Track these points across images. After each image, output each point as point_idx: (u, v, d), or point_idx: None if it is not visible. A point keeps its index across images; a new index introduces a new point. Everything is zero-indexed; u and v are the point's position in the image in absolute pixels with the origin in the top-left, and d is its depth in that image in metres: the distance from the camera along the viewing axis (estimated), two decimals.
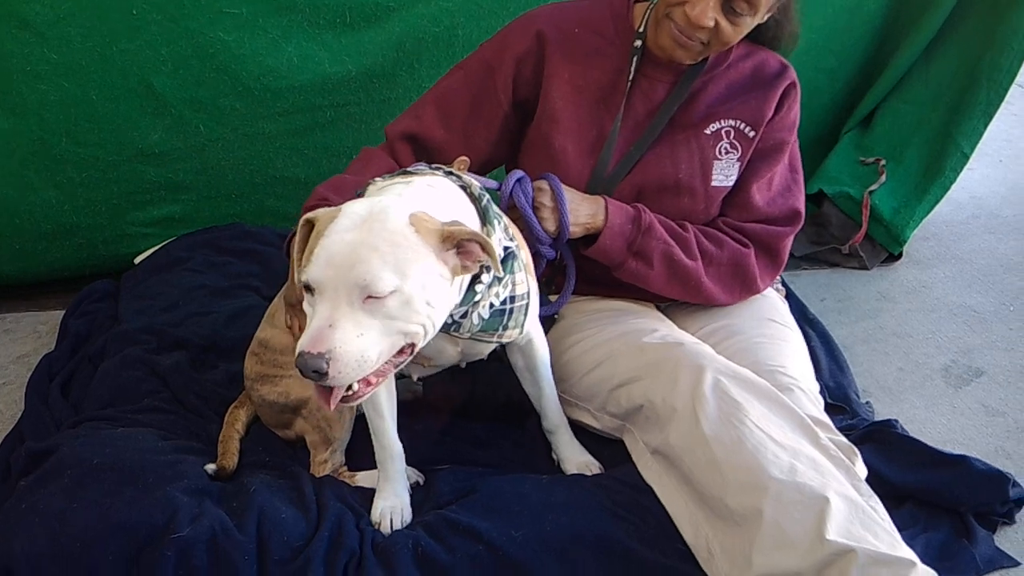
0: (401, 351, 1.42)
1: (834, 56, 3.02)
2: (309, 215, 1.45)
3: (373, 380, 1.41)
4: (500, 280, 1.57)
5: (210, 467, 1.78)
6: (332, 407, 1.40)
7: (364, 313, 1.33)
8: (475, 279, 1.51)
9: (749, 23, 1.77)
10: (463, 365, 1.86)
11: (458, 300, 1.49)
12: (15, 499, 1.62)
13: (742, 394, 1.65)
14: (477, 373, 1.96)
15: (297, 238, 1.46)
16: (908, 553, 1.46)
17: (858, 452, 1.68)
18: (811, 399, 1.81)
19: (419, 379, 1.94)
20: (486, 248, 1.41)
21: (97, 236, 2.82)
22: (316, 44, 2.64)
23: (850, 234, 2.99)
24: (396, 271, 1.33)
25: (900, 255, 3.05)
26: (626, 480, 1.75)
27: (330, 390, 1.38)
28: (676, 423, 1.66)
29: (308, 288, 1.36)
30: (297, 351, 1.31)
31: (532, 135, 1.98)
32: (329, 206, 1.90)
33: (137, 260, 2.83)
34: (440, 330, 1.50)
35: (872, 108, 3.09)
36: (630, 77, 1.90)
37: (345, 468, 1.88)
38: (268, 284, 2.62)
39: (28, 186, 2.66)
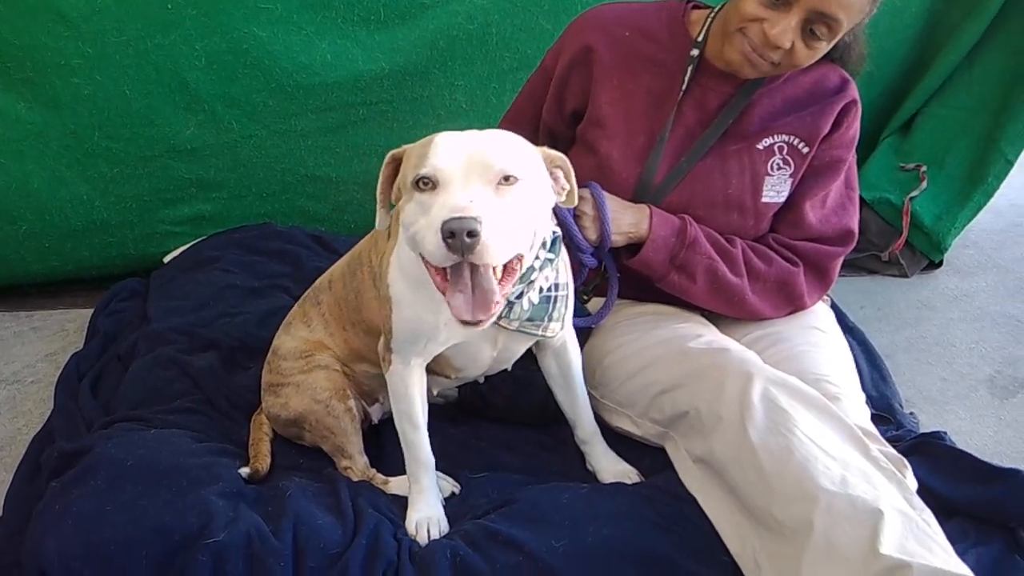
0: (508, 268, 1.38)
1: (872, 60, 2.89)
2: (396, 151, 1.48)
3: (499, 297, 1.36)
4: (551, 262, 1.58)
5: (244, 470, 1.75)
6: (483, 315, 1.34)
7: (497, 197, 1.33)
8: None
9: (824, 47, 1.71)
10: (482, 380, 1.85)
11: (549, 234, 1.55)
12: (48, 500, 1.59)
13: (791, 403, 1.59)
14: (514, 376, 1.91)
15: (382, 177, 1.50)
16: (964, 569, 1.40)
17: (908, 464, 1.62)
18: (858, 409, 1.77)
19: (438, 393, 1.90)
20: (568, 176, 1.54)
21: (127, 234, 2.81)
22: (350, 41, 2.62)
23: (890, 241, 2.94)
24: (522, 160, 1.39)
25: (941, 263, 3.01)
26: (668, 489, 1.70)
27: (470, 298, 1.34)
28: (722, 432, 1.61)
29: (424, 183, 1.34)
30: (441, 220, 1.26)
31: (579, 139, 1.94)
32: None
33: (167, 259, 2.82)
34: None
35: (912, 113, 3.04)
36: (684, 86, 1.84)
37: (375, 472, 1.84)
38: (299, 284, 2.58)
39: (59, 181, 2.66)
